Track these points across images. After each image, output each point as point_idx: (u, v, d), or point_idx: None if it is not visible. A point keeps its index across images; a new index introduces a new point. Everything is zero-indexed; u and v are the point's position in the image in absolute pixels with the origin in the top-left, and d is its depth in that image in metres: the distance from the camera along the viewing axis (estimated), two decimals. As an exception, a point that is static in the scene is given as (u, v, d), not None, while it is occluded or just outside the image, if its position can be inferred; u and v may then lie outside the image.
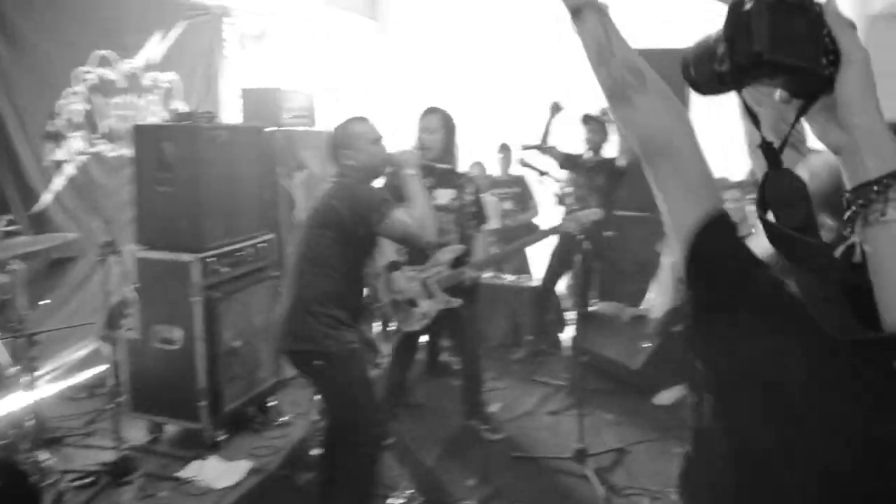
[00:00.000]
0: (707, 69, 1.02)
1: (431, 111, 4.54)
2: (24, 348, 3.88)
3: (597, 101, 5.94)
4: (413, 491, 4.04)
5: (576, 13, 1.21)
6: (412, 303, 4.46)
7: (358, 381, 3.41)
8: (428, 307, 4.46)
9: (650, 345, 5.30)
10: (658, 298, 5.52)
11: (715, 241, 1.10)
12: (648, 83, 1.18)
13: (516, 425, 4.95)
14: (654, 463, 4.38)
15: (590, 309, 6.20)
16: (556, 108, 5.99)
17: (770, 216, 1.01)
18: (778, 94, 1.00)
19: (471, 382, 4.82)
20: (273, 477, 4.26)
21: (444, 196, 4.57)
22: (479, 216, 4.77)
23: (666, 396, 5.25)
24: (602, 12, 1.19)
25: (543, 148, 5.43)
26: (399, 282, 4.41)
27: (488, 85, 8.44)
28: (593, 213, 4.88)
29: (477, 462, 4.38)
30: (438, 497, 4.05)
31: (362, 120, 3.59)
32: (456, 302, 4.49)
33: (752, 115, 1.03)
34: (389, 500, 3.96)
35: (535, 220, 7.37)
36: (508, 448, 4.59)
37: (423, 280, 4.45)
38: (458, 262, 4.57)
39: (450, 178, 4.61)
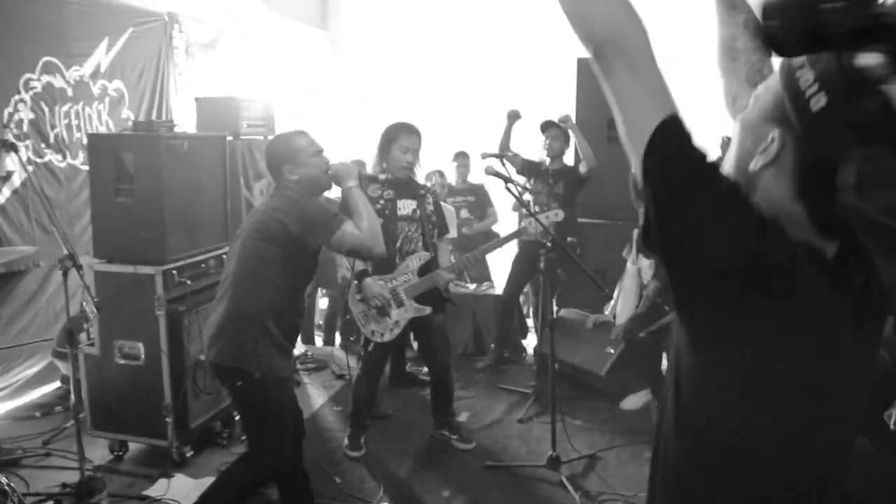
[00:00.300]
0: (800, 25, 0.95)
1: (413, 130, 4.51)
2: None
3: (555, 110, 6.02)
4: (388, 503, 3.99)
5: None
6: (382, 312, 4.42)
7: (274, 410, 3.30)
8: (398, 316, 4.43)
9: (615, 351, 5.33)
10: (622, 304, 5.56)
11: (673, 139, 1.09)
12: None
13: (487, 434, 4.92)
14: (625, 468, 4.40)
15: (554, 315, 6.21)
16: (514, 116, 6.02)
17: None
18: (875, 58, 0.95)
19: (441, 392, 4.79)
20: (242, 493, 4.16)
21: (407, 207, 4.57)
22: (440, 225, 4.77)
23: (632, 401, 5.29)
24: None
25: (504, 155, 5.45)
26: (371, 289, 4.35)
27: (441, 93, 8.47)
28: (555, 215, 4.92)
29: (450, 472, 4.35)
30: (415, 508, 4.01)
31: (302, 133, 3.50)
32: (426, 310, 4.47)
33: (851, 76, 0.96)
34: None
35: (494, 228, 7.39)
36: (481, 457, 4.56)
37: (392, 289, 4.42)
38: (425, 269, 4.55)
39: (410, 188, 4.61)
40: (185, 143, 4.48)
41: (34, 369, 5.35)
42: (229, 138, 5.34)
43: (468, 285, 6.86)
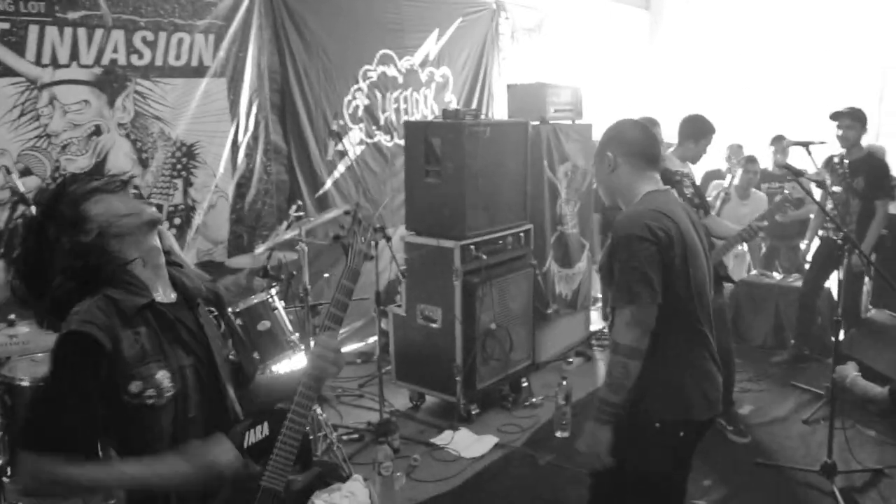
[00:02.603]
0: None
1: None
2: (307, 317, 4.47)
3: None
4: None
5: None
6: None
7: None
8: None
9: (927, 361, 4.87)
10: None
11: None
12: None
13: (766, 430, 4.81)
14: (915, 491, 4.07)
15: (863, 316, 5.80)
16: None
17: None
18: None
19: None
20: (517, 454, 4.54)
21: None
22: (703, 206, 4.72)
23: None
24: None
25: (809, 144, 5.14)
26: None
27: (759, 76, 8.14)
28: (792, 187, 5.05)
29: (717, 462, 4.33)
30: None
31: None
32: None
33: None
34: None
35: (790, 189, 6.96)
36: (753, 453, 4.49)
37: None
38: None
39: (666, 179, 4.56)
40: (488, 130, 4.91)
41: (358, 323, 6.19)
42: (535, 123, 5.69)
43: (774, 275, 6.60)
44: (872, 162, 5.51)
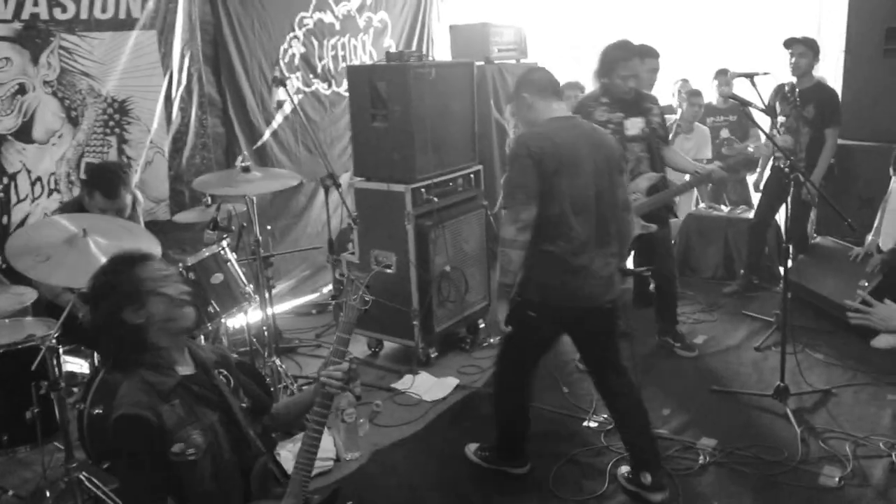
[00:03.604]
0: None
1: (631, 55, 4.47)
2: (260, 269, 4.38)
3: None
4: (607, 416, 4.16)
5: None
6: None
7: None
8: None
9: (869, 284, 4.97)
10: (887, 226, 5.15)
11: None
12: None
13: (720, 359, 4.90)
14: (861, 408, 4.18)
15: (810, 243, 5.91)
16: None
17: None
18: None
19: (664, 300, 4.92)
20: (478, 394, 4.54)
21: (634, 126, 4.54)
22: (664, 137, 4.76)
23: (885, 340, 4.93)
24: None
25: (753, 75, 5.15)
26: None
27: (706, 10, 8.13)
28: (783, 140, 5.04)
29: (674, 392, 4.41)
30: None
31: None
32: (652, 227, 4.49)
33: None
34: (585, 423, 4.12)
35: (754, 149, 7.06)
36: (708, 380, 4.57)
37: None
38: (653, 189, 4.55)
39: (637, 105, 4.56)
40: (433, 71, 4.82)
41: (308, 272, 6.12)
42: (480, 63, 5.61)
43: (722, 208, 6.69)
44: (823, 91, 5.55)
